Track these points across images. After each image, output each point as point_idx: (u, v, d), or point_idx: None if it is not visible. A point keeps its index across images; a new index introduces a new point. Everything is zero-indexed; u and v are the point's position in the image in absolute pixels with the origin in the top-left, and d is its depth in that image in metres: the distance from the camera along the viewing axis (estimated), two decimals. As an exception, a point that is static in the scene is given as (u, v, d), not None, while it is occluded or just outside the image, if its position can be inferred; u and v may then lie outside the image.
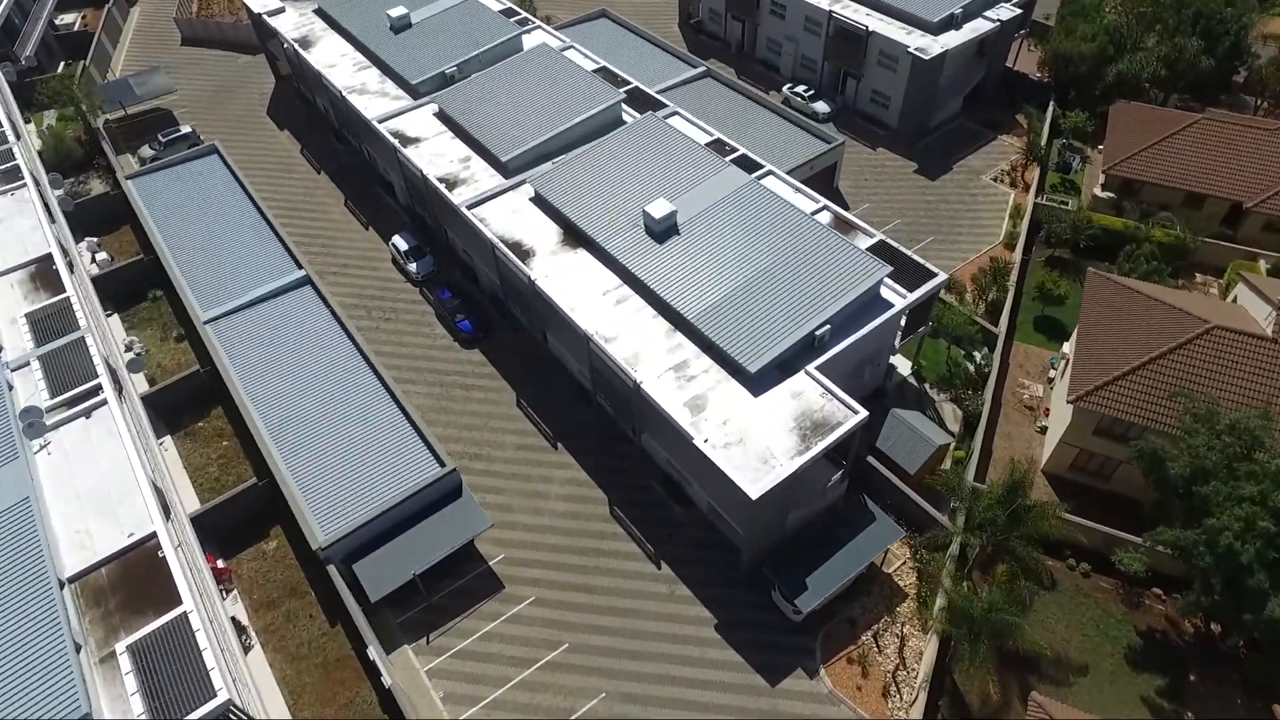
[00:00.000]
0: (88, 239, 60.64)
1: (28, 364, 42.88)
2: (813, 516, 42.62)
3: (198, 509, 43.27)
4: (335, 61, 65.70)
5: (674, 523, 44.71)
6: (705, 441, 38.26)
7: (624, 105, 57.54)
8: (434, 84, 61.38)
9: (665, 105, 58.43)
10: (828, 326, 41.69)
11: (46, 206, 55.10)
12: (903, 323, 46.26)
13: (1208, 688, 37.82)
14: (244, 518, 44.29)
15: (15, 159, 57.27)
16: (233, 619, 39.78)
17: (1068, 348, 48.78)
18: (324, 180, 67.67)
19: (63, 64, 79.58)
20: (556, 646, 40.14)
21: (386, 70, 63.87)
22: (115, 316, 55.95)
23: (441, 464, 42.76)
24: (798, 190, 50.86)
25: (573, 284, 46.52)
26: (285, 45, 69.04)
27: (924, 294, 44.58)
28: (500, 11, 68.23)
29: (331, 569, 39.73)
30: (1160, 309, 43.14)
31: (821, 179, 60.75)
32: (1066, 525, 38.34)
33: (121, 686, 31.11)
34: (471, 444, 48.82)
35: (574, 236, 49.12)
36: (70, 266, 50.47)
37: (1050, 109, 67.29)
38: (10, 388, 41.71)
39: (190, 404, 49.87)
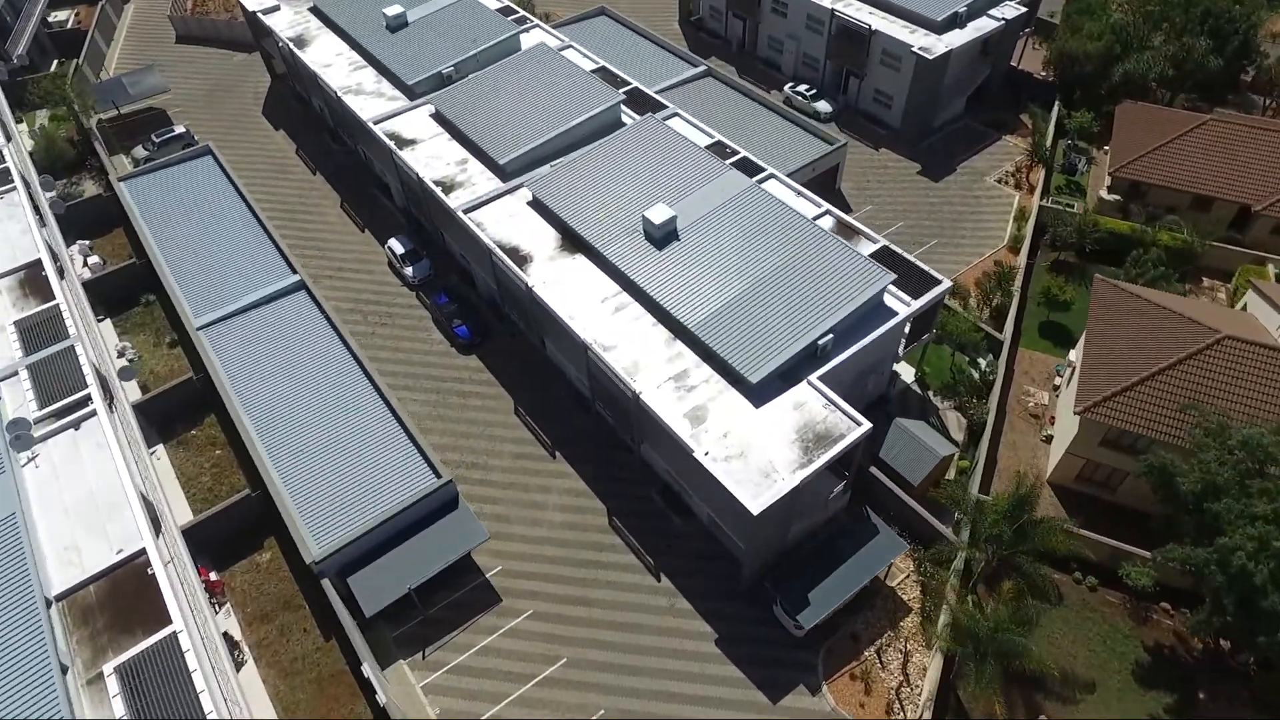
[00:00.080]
0: (80, 242, 59.82)
1: (16, 374, 42.15)
2: (815, 528, 41.95)
3: (190, 521, 42.55)
4: (331, 61, 64.80)
5: (673, 533, 44.03)
6: (706, 454, 37.53)
7: (623, 106, 56.66)
8: (430, 84, 60.50)
9: (665, 106, 57.53)
10: (830, 336, 40.89)
11: (37, 209, 54.34)
12: (907, 330, 45.51)
13: (1218, 706, 37.13)
14: (237, 529, 43.59)
15: (5, 161, 56.44)
16: (225, 634, 39.10)
17: (1074, 355, 47.98)
18: (319, 181, 66.82)
19: (56, 62, 78.52)
20: (554, 662, 39.48)
21: (382, 70, 62.96)
22: (107, 321, 55.17)
23: (438, 475, 42.05)
24: (800, 194, 50.02)
25: (571, 291, 45.74)
26: (280, 44, 68.10)
27: (928, 302, 43.78)
28: (498, 10, 67.29)
29: (325, 583, 39.04)
30: (1169, 318, 42.32)
31: (823, 180, 59.95)
32: (1074, 541, 37.56)
33: (109, 709, 30.42)
34: (468, 452, 48.11)
35: (572, 242, 48.30)
36: (61, 272, 49.75)
37: (1055, 109, 66.40)
38: (-2, 398, 41.10)
39: (183, 412, 49.13)
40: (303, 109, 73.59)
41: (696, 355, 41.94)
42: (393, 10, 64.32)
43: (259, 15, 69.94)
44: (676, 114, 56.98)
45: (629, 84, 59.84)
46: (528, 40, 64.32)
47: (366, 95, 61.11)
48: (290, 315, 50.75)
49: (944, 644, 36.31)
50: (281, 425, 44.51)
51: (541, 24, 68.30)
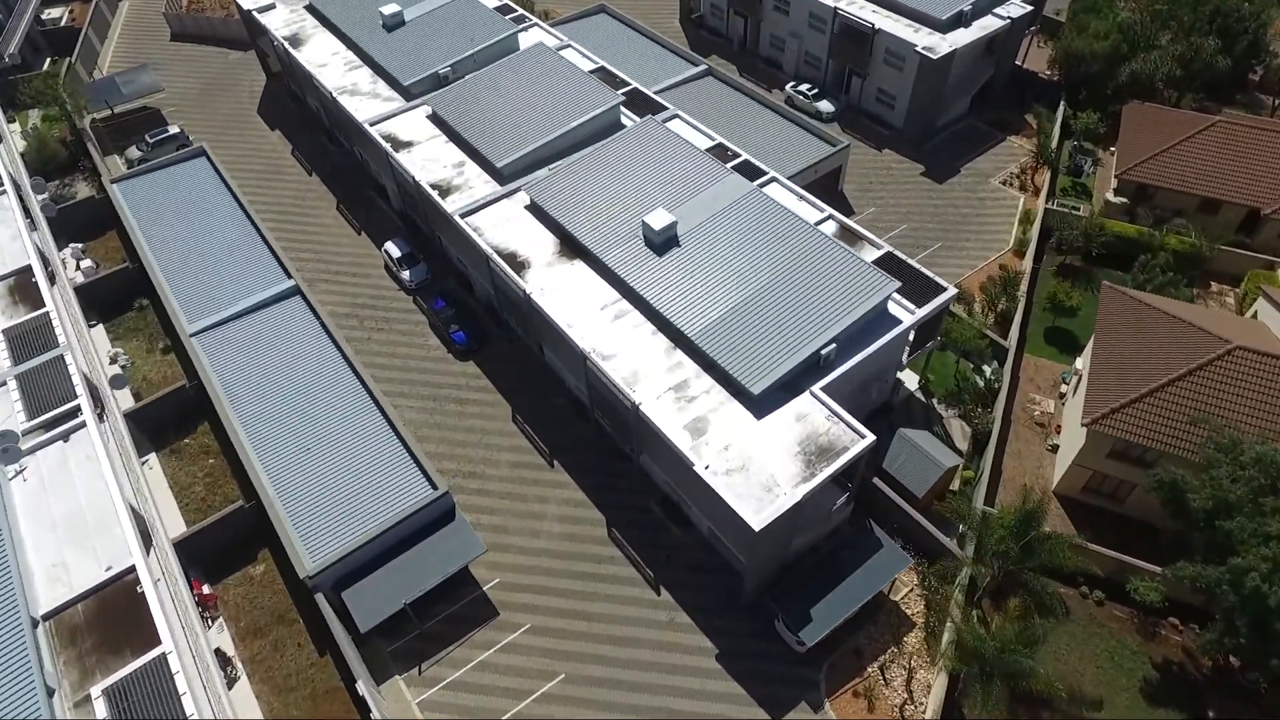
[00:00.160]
0: (72, 245, 59.03)
1: (4, 384, 41.40)
2: (818, 540, 41.25)
3: (183, 533, 41.85)
4: (326, 60, 63.86)
5: (673, 545, 43.33)
6: (707, 468, 36.81)
7: (623, 108, 55.76)
8: (427, 85, 59.59)
9: (665, 108, 56.61)
10: (833, 345, 40.13)
11: (28, 213, 53.52)
12: (911, 338, 44.72)
13: (1227, 724, 36.56)
14: (231, 540, 42.88)
15: (-5, 164, 55.71)
16: (217, 650, 38.44)
17: (1080, 362, 47.20)
18: (315, 183, 65.95)
19: (49, 60, 77.71)
20: (552, 678, 38.81)
21: (378, 70, 62.03)
22: (100, 327, 54.37)
23: (434, 486, 41.35)
24: (802, 198, 49.20)
25: (569, 298, 44.96)
26: (275, 43, 67.16)
27: (933, 310, 43.01)
28: (495, 8, 66.29)
29: (320, 598, 38.30)
30: (1179, 327, 41.51)
31: (826, 182, 59.14)
32: (1083, 558, 36.84)
33: (97, 733, 29.85)
34: (465, 461, 47.39)
35: (571, 247, 47.50)
36: (51, 278, 48.96)
37: (1061, 109, 65.48)
38: (-14, 409, 40.35)
39: (176, 420, 48.37)
40: (298, 109, 72.64)
41: (697, 365, 41.20)
42: (389, 9, 63.34)
43: (254, 13, 69.00)
44: (677, 115, 56.09)
45: (629, 85, 58.93)
46: (526, 39, 63.35)
47: (362, 96, 60.22)
48: (285, 321, 50.03)
49: (949, 663, 35.63)
50: (275, 434, 43.80)
51: (540, 22, 67.32)
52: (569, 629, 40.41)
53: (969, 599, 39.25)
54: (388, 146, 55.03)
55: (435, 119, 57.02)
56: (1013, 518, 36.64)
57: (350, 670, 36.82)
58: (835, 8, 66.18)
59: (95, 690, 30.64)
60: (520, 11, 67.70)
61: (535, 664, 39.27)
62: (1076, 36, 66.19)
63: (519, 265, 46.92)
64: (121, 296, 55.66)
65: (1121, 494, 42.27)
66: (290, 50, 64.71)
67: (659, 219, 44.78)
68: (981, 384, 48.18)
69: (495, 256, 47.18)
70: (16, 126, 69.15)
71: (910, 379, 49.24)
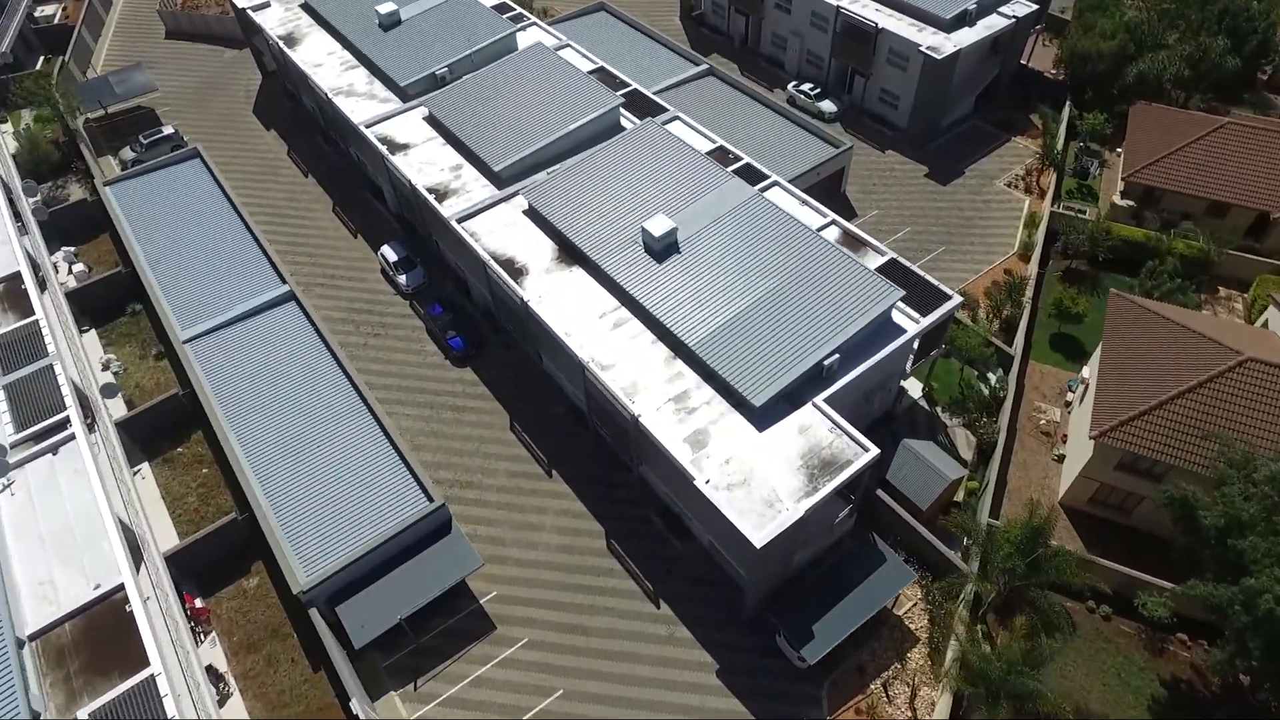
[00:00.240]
0: (64, 249, 58.26)
1: (-8, 395, 40.75)
2: (820, 554, 40.58)
3: (175, 546, 41.20)
4: (322, 60, 62.97)
5: (673, 557, 42.64)
6: (707, 483, 36.10)
7: (622, 110, 54.88)
8: (424, 86, 58.71)
9: (665, 109, 55.71)
10: (836, 356, 39.39)
11: (18, 216, 52.75)
12: (915, 347, 43.94)
13: (1236, 743, 35.91)
14: (224, 553, 42.27)
15: (-14, 166, 54.92)
16: (209, 667, 37.80)
17: (1087, 370, 46.42)
18: (311, 184, 65.11)
19: (42, 59, 76.73)
20: (550, 694, 38.18)
21: (375, 70, 61.15)
22: (92, 333, 53.61)
23: (430, 499, 40.65)
24: (804, 203, 48.37)
25: (568, 305, 44.20)
26: (270, 42, 66.24)
27: (938, 318, 42.22)
28: (493, 7, 65.34)
29: (314, 613, 37.69)
30: (1188, 336, 40.67)
31: (828, 184, 58.25)
32: (1090, 574, 36.13)
33: (83, 758, 29.23)
34: (462, 470, 46.70)
35: (569, 253, 46.72)
36: (42, 284, 48.22)
37: (1067, 109, 64.52)
38: (-27, 421, 39.63)
39: (169, 428, 47.68)
40: (294, 108, 71.76)
41: (698, 375, 40.46)
42: (385, 8, 62.43)
43: (249, 12, 68.08)
44: (677, 118, 55.21)
45: (629, 85, 58.03)
46: (524, 39, 62.45)
47: (358, 97, 59.36)
48: (279, 328, 49.25)
49: (954, 683, 34.96)
50: (269, 445, 43.08)
51: (539, 21, 66.36)
52: (567, 643, 39.78)
53: (974, 614, 38.56)
54: (384, 149, 54.20)
55: (432, 121, 56.17)
56: (1019, 533, 35.91)
57: (345, 688, 36.24)
58: (838, 6, 65.18)
59: (82, 713, 30.03)
60: (518, 10, 66.78)
61: (532, 679, 38.63)
62: (1083, 36, 65.19)
63: (517, 271, 46.16)
64: (114, 301, 54.93)
65: (1129, 506, 41.56)
66: (285, 49, 63.81)
67: (659, 225, 43.99)
68: (986, 392, 47.42)
69: (492, 263, 46.39)
70: (8, 127, 68.38)
71: (914, 387, 48.50)
